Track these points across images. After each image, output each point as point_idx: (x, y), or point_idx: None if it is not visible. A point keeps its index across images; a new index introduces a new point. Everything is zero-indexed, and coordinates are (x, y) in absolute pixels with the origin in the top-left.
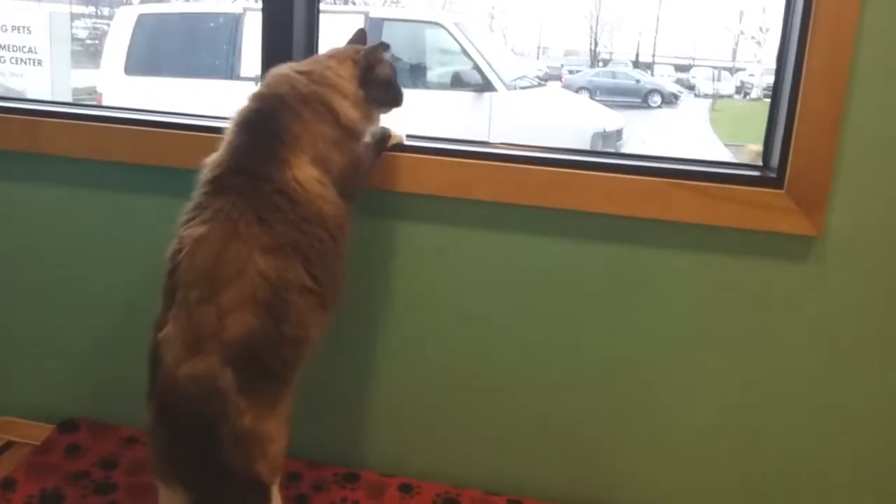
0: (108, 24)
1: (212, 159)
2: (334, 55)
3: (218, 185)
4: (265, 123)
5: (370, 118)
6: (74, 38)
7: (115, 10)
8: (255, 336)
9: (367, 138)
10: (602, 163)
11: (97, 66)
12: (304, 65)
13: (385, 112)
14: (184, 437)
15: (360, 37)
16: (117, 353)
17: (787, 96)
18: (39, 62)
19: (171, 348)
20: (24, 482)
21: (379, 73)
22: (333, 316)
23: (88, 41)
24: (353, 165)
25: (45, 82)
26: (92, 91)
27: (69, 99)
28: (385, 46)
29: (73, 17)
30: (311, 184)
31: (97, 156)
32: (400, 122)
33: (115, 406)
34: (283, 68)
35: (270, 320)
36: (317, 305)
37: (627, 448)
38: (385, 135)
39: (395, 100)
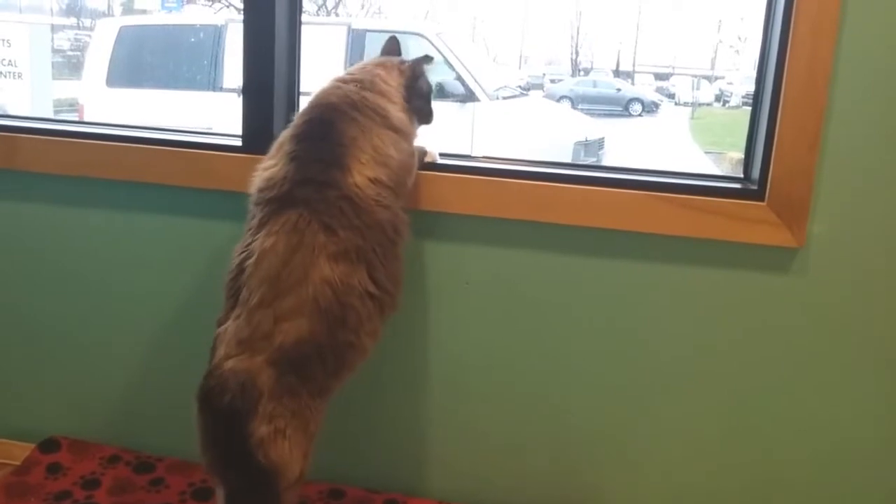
0: (90, 36)
1: (269, 174)
2: (381, 64)
3: (286, 199)
4: (322, 131)
5: (413, 126)
6: (57, 50)
7: (97, 21)
8: (306, 342)
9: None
10: (585, 176)
11: (79, 77)
12: (351, 73)
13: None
14: (215, 427)
15: (393, 45)
16: (100, 370)
17: (767, 109)
18: (19, 75)
19: (225, 343)
20: (2, 503)
21: (421, 86)
22: (389, 322)
23: (70, 52)
24: (409, 163)
25: (25, 95)
26: (73, 103)
27: (50, 112)
28: (428, 59)
29: (55, 28)
30: (369, 188)
31: (76, 172)
32: (433, 140)
33: (98, 424)
34: (331, 80)
35: (326, 326)
36: (375, 311)
37: (615, 456)
38: (421, 152)
39: (429, 115)
